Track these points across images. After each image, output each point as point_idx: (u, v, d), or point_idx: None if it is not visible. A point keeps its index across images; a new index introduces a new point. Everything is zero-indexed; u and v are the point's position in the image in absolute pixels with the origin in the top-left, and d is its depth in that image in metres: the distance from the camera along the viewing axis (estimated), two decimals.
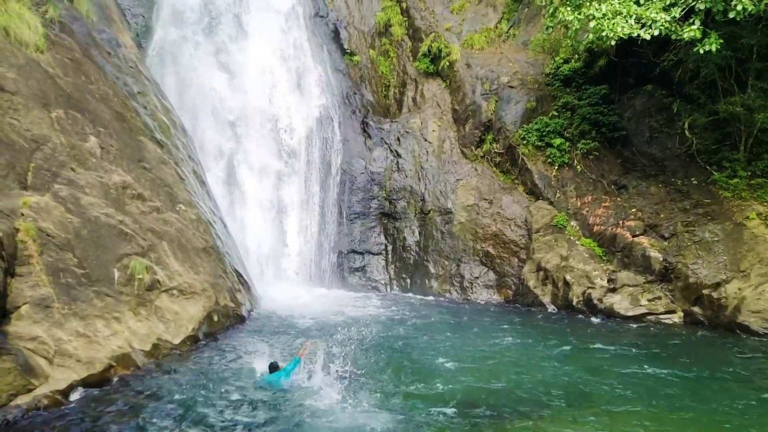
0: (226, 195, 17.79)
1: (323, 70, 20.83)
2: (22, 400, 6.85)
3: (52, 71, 10.32)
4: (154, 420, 7.05)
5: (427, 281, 18.10)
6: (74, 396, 7.45)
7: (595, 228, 16.53)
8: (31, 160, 8.92)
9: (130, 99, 12.67)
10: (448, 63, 20.96)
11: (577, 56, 19.05)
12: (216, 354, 10.04)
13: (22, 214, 8.25)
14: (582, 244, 16.31)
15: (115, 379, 8.17)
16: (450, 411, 7.61)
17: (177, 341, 9.85)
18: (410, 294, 17.91)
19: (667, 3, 12.82)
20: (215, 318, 11.31)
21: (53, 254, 8.39)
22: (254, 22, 19.62)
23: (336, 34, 22.09)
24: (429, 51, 21.55)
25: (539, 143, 18.31)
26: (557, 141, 18.01)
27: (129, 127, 11.91)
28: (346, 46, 21.93)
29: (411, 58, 22.24)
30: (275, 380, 8.39)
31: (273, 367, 8.59)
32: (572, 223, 16.99)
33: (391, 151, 20.21)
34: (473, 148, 19.78)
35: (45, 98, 9.76)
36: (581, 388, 8.71)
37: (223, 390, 8.19)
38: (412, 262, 18.64)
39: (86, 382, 7.71)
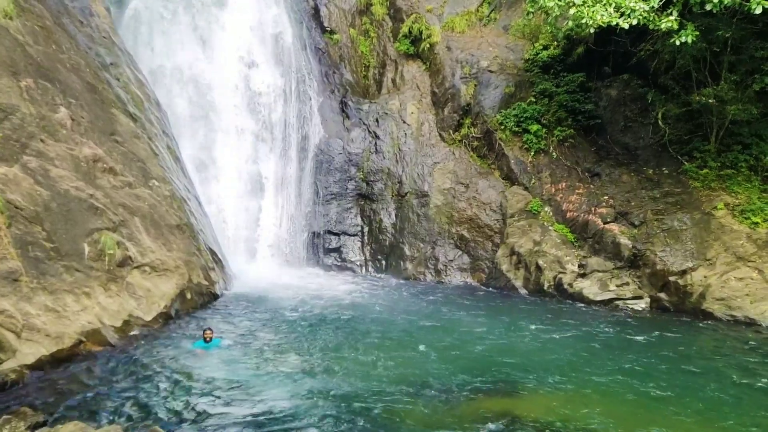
0: (200, 172, 17.55)
1: (302, 47, 20.56)
2: None
3: (22, 39, 9.99)
4: (122, 394, 7.01)
5: (402, 263, 18.20)
6: (43, 370, 7.36)
7: (568, 214, 16.79)
8: None
9: (102, 70, 12.36)
10: (428, 45, 20.87)
11: (556, 43, 19.14)
12: (187, 331, 9.99)
13: None
14: (555, 230, 16.55)
15: (85, 354, 8.08)
16: (418, 389, 7.71)
17: (149, 318, 9.77)
18: (385, 275, 18.00)
19: None
20: (188, 295, 11.23)
21: (21, 227, 8.21)
22: None
23: (316, 11, 21.79)
24: (410, 32, 21.42)
25: (516, 129, 18.43)
26: (534, 127, 18.14)
27: (101, 99, 11.64)
28: (326, 24, 21.65)
29: (391, 39, 22.08)
30: (205, 346, 9.09)
31: (206, 331, 9.24)
32: (546, 209, 17.21)
33: (370, 132, 20.13)
34: (451, 131, 19.82)
35: (14, 66, 9.46)
36: (548, 370, 8.89)
37: (189, 367, 8.18)
38: (387, 244, 18.71)
39: (55, 357, 7.62)
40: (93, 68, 11.92)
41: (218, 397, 7.13)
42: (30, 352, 7.34)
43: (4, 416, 5.81)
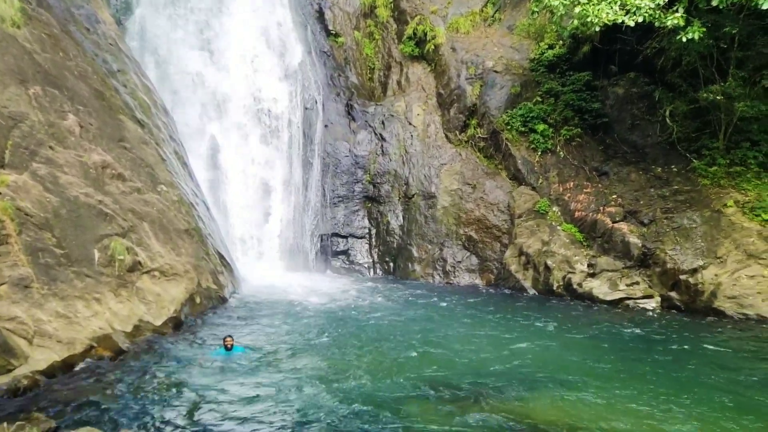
0: (207, 176, 17.61)
1: (307, 50, 20.61)
2: (2, 380, 6.77)
3: (29, 47, 10.05)
4: (133, 400, 7.02)
5: (410, 265, 18.18)
6: (55, 375, 7.38)
7: (577, 214, 16.71)
8: (9, 138, 8.72)
9: (109, 77, 12.42)
10: (433, 46, 20.86)
11: (561, 42, 19.09)
12: (197, 336, 10.01)
13: (0, 193, 8.08)
14: (563, 230, 16.48)
15: (96, 360, 8.10)
16: (435, 395, 7.68)
17: (158, 323, 9.78)
18: (393, 277, 17.98)
19: None
20: (197, 300, 11.25)
21: (32, 234, 8.25)
22: (236, 0, 19.30)
23: (320, 14, 21.84)
24: (414, 34, 21.42)
25: (523, 129, 18.38)
26: (541, 127, 18.09)
27: (108, 105, 11.69)
28: (330, 27, 21.69)
29: (396, 41, 22.09)
30: (226, 354, 9.03)
31: (227, 338, 9.15)
32: (554, 209, 17.15)
33: (376, 134, 20.14)
34: (457, 132, 19.79)
35: (22, 74, 9.52)
36: (558, 372, 8.83)
37: (199, 372, 8.19)
38: (395, 245, 18.69)
39: (67, 363, 7.64)
40: (100, 75, 11.98)
41: (227, 404, 7.12)
42: (42, 358, 7.37)
43: (17, 422, 5.83)
